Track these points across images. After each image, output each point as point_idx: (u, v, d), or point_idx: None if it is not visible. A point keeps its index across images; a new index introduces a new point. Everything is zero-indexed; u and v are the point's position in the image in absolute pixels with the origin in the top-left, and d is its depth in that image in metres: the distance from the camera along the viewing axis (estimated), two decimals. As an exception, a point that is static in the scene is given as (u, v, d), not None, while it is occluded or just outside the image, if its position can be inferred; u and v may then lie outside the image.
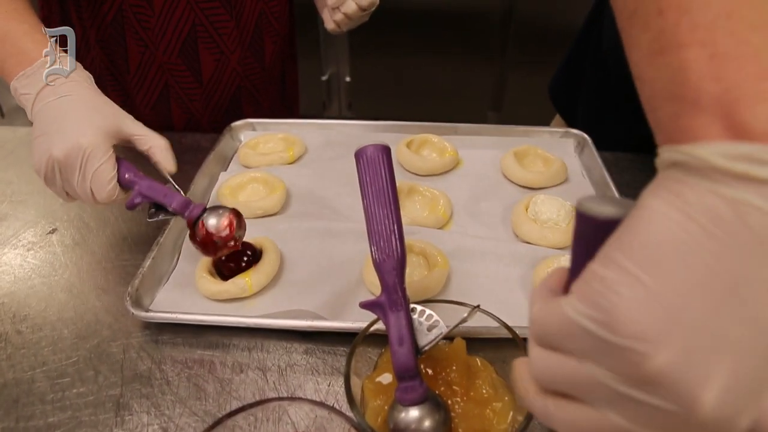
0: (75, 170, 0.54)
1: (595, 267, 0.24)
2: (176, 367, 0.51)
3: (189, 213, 0.55)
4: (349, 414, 0.38)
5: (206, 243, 0.55)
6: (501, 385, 0.43)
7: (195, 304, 0.57)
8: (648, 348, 0.21)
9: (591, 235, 0.24)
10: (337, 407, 0.44)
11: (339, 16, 0.86)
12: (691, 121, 0.24)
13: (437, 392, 0.43)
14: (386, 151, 0.45)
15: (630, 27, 0.28)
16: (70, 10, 0.84)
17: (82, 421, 0.47)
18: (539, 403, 0.27)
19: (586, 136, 0.82)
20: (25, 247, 0.66)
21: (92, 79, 0.59)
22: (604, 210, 0.24)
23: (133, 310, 0.54)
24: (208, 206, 0.57)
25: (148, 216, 0.58)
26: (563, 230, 0.63)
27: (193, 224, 0.55)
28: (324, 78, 2.19)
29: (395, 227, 0.44)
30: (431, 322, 0.43)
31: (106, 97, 0.59)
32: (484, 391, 0.42)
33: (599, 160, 0.75)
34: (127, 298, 0.54)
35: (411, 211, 0.69)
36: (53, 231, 0.69)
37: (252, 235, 0.61)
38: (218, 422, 0.35)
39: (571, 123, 1.00)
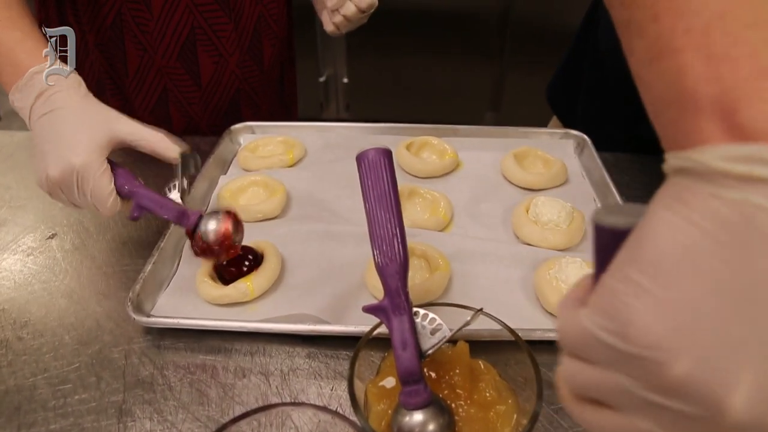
0: (73, 188, 0.55)
1: (607, 279, 0.24)
2: (178, 372, 0.51)
3: (186, 222, 0.55)
4: (353, 418, 0.38)
5: (206, 250, 0.55)
6: (504, 387, 0.43)
7: (196, 309, 0.57)
8: (665, 357, 0.21)
9: (607, 246, 0.25)
10: (341, 412, 0.44)
11: (338, 19, 0.85)
12: (692, 125, 0.24)
13: (441, 396, 0.43)
14: (387, 154, 0.45)
15: (627, 34, 0.28)
16: (67, 14, 0.83)
17: (85, 428, 0.47)
18: (576, 409, 0.27)
19: (585, 137, 0.82)
20: (25, 253, 0.66)
21: (83, 83, 0.58)
22: (618, 220, 0.24)
23: (134, 316, 0.53)
24: (206, 211, 0.56)
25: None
26: (564, 232, 0.63)
27: (192, 232, 0.55)
28: (321, 79, 2.19)
29: (398, 231, 0.44)
30: (434, 326, 0.43)
31: (98, 103, 0.58)
32: (487, 394, 0.42)
33: (599, 161, 0.75)
34: (128, 304, 0.54)
35: (412, 213, 0.69)
36: (53, 236, 0.69)
37: (252, 238, 0.61)
38: (222, 428, 0.35)
39: (569, 125, 1.00)
